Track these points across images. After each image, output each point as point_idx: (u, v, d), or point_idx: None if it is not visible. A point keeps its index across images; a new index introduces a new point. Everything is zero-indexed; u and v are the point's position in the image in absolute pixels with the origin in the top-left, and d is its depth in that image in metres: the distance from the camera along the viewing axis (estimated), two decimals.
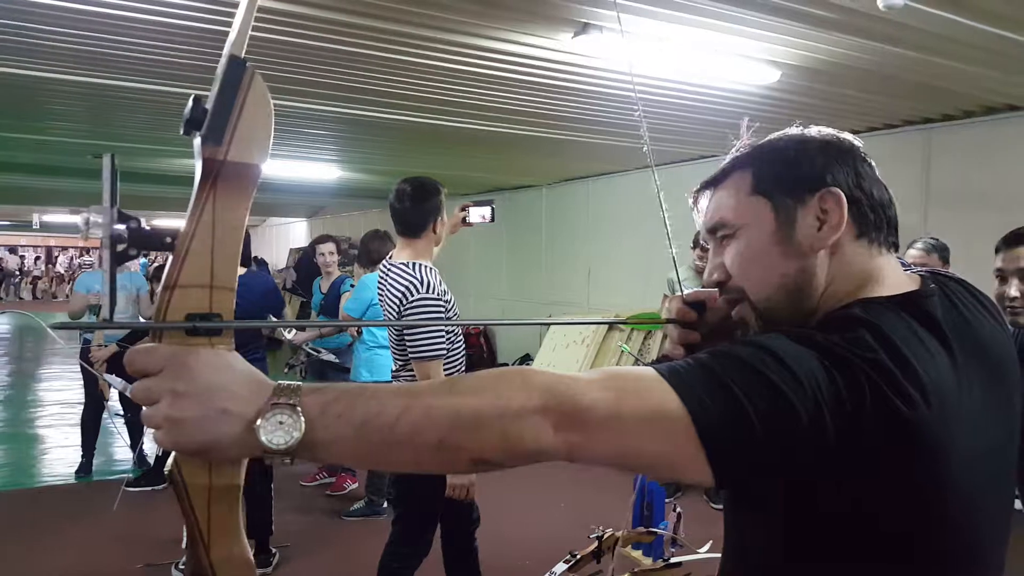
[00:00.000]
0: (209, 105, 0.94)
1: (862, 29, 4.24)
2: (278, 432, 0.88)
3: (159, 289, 0.96)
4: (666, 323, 1.36)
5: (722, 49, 4.68)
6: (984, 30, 4.14)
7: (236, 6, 1.05)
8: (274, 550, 5.08)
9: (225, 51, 0.96)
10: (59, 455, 7.78)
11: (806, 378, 0.92)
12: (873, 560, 1.00)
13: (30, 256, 38.93)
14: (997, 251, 2.73)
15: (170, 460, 0.94)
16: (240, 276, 3.97)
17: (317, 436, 0.89)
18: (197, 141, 0.95)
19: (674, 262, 1.92)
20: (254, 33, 3.85)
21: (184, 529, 0.99)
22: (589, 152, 8.58)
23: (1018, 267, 2.63)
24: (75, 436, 7.25)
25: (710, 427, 0.91)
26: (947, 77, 5.20)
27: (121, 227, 0.97)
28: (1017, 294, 2.62)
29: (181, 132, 0.96)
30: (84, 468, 6.97)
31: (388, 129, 7.50)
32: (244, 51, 0.97)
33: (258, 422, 0.88)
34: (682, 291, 1.47)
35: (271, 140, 0.99)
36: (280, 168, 10.30)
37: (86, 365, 6.42)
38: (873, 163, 1.19)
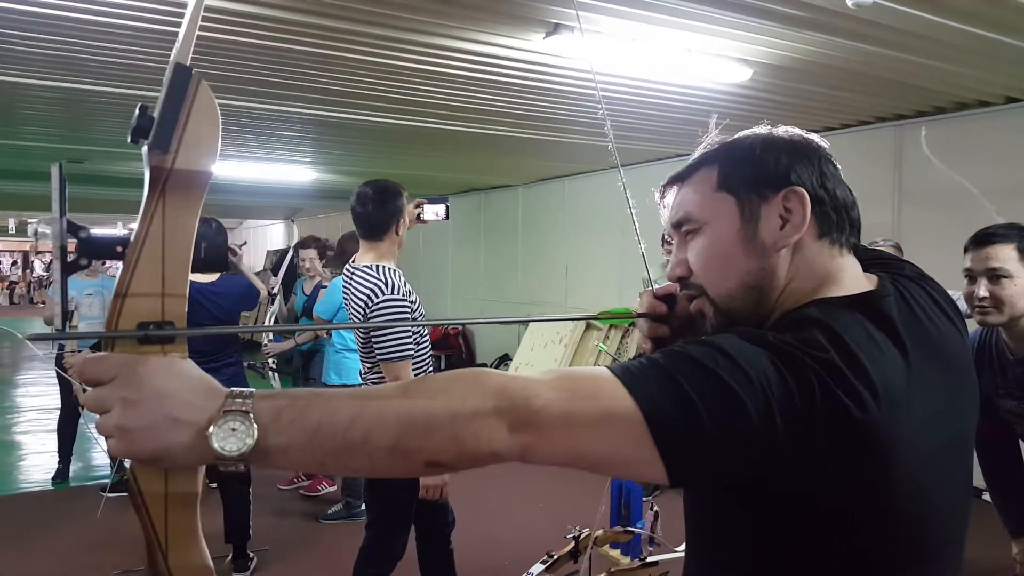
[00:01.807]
0: (156, 113, 0.94)
1: (832, 27, 4.27)
2: (230, 439, 0.88)
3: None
4: (637, 317, 1.36)
5: (694, 48, 4.69)
6: (953, 27, 4.18)
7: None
8: (252, 554, 5.06)
9: (171, 59, 0.96)
10: (36, 461, 7.74)
11: (757, 377, 0.92)
12: (828, 556, 1.01)
13: (6, 261, 38.65)
14: (966, 251, 2.75)
15: (127, 468, 0.95)
16: (212, 283, 3.96)
17: (270, 442, 0.89)
18: (145, 149, 0.95)
19: (644, 260, 1.93)
20: (228, 37, 3.85)
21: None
22: (564, 152, 8.59)
23: (987, 267, 2.65)
24: (52, 442, 7.19)
25: (662, 426, 0.91)
26: (918, 74, 5.24)
27: (70, 236, 0.97)
28: (986, 294, 2.64)
29: (128, 140, 0.96)
30: (61, 474, 6.93)
31: (362, 131, 7.49)
32: (189, 59, 0.97)
33: (210, 429, 0.88)
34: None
35: (219, 146, 0.98)
36: (255, 170, 10.27)
37: (61, 372, 6.39)
38: (838, 165, 1.19)
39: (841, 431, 0.93)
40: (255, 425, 0.89)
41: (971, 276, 2.72)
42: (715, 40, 4.55)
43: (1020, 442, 3.03)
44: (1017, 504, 3.03)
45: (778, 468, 0.93)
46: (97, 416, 0.93)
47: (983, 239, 2.69)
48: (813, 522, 0.99)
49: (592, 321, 8.70)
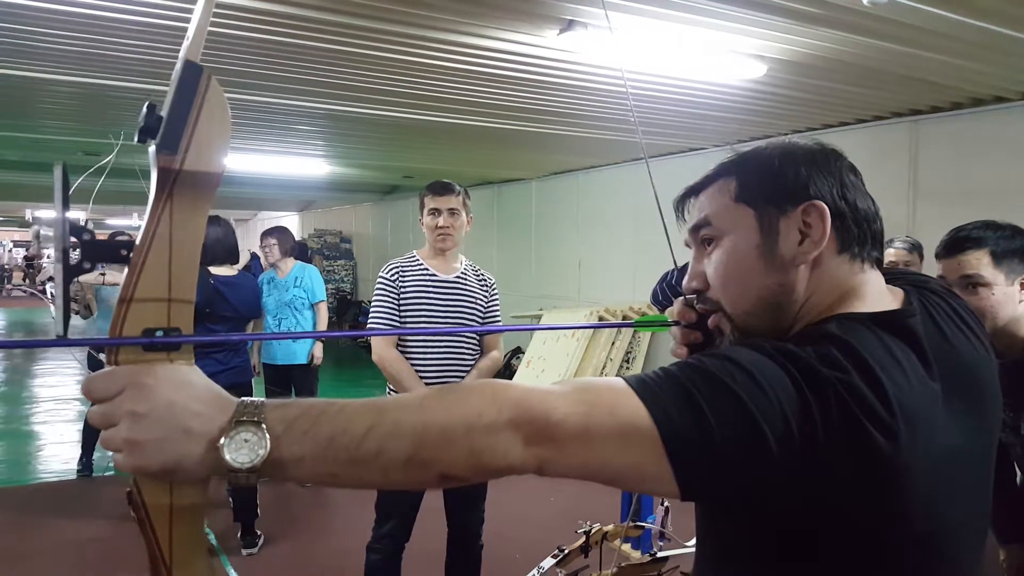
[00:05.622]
0: (164, 112, 0.91)
1: (848, 24, 4.24)
2: (243, 450, 0.86)
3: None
4: (672, 325, 1.33)
5: (709, 44, 4.68)
6: (970, 23, 4.14)
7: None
8: (260, 532, 5.14)
9: (180, 56, 0.92)
10: (54, 452, 7.78)
11: (774, 395, 0.91)
12: (834, 570, 1.00)
13: (23, 253, 38.95)
14: (937, 257, 2.56)
15: (130, 481, 0.91)
16: (233, 277, 4.08)
17: (283, 453, 0.87)
18: (152, 149, 0.92)
19: (671, 248, 1.90)
20: (244, 33, 3.88)
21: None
22: (578, 146, 8.58)
23: (961, 275, 2.44)
24: (69, 432, 7.23)
25: (675, 442, 0.90)
26: (933, 70, 5.19)
27: (73, 238, 0.94)
28: None
29: (135, 140, 0.92)
30: (85, 465, 6.91)
31: (376, 125, 7.52)
32: (200, 56, 0.93)
33: (221, 440, 0.86)
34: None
35: (229, 146, 0.95)
36: (269, 163, 10.32)
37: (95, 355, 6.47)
38: (860, 174, 1.16)
39: (859, 454, 0.91)
40: (268, 436, 0.86)
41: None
42: (730, 36, 4.53)
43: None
44: (1005, 511, 2.95)
45: (790, 485, 0.92)
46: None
47: (954, 245, 2.49)
48: (822, 536, 0.98)
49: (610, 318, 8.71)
